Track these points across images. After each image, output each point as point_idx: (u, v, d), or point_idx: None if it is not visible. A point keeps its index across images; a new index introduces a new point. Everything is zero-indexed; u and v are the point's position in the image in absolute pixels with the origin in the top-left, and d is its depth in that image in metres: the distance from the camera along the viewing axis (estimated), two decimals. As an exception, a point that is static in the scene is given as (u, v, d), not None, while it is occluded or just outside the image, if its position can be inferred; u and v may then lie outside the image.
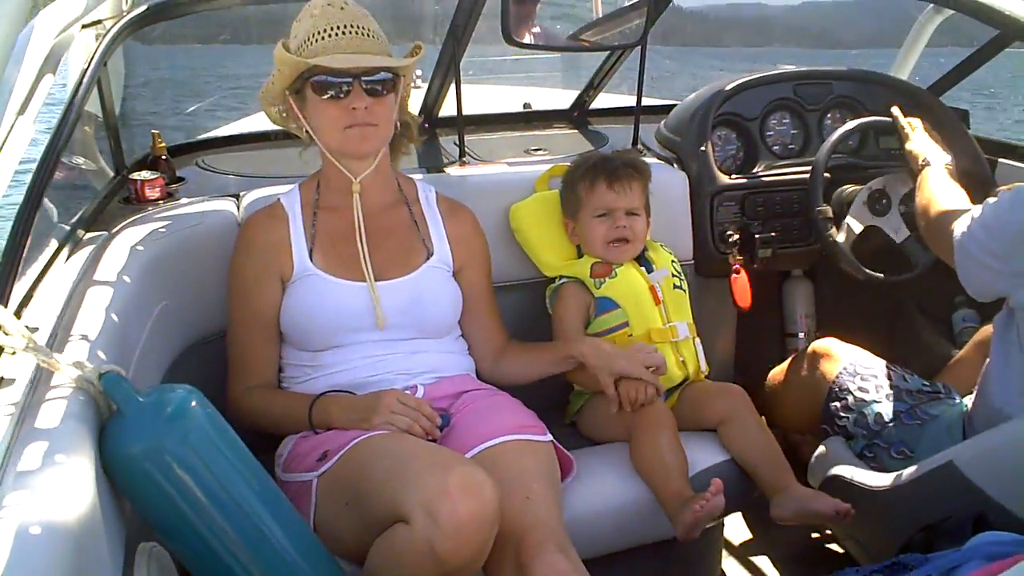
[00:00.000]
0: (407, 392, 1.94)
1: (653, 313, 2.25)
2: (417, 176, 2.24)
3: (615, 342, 2.22)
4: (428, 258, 2.10)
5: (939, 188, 2.23)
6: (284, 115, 2.05)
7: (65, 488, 1.21)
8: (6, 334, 1.30)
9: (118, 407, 1.37)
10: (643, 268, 2.29)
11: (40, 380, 1.40)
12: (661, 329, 2.24)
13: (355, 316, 1.99)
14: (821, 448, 2.25)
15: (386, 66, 1.91)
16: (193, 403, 1.42)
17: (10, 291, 1.40)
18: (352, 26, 1.90)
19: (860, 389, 2.22)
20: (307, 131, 1.99)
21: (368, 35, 1.92)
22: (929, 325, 3.00)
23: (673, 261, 2.37)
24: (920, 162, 2.39)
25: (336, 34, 1.89)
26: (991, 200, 1.92)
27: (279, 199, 2.13)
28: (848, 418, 2.21)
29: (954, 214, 2.04)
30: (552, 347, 2.19)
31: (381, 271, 2.03)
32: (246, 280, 2.05)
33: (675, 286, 2.31)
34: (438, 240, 2.14)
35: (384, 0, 2.22)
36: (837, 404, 2.24)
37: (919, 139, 2.49)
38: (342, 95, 1.90)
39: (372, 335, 2.01)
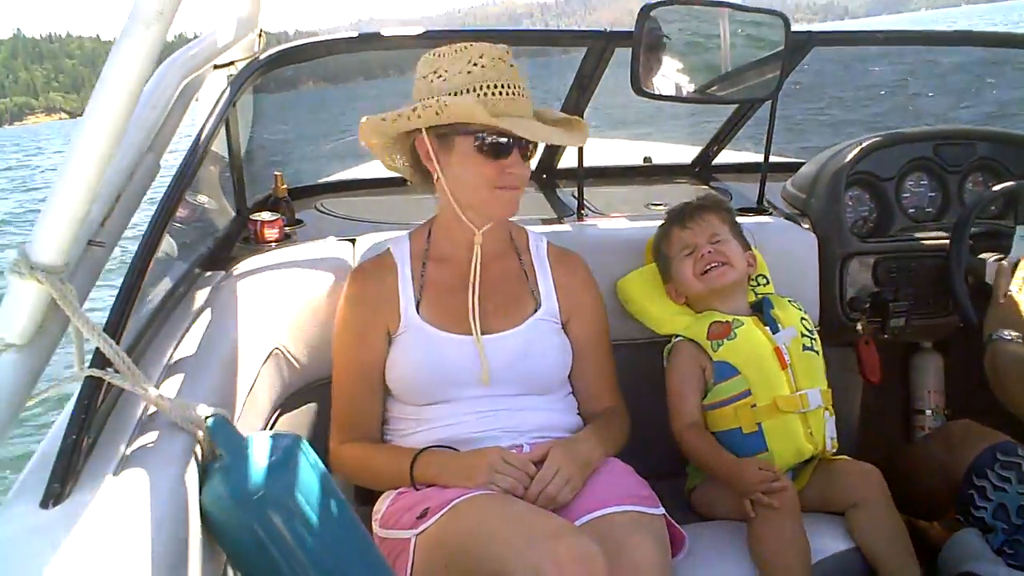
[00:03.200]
0: (513, 451, 1.87)
1: (779, 379, 2.09)
2: (530, 226, 2.19)
3: (737, 413, 2.10)
4: (536, 310, 2.04)
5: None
6: (397, 154, 2.00)
7: (161, 529, 1.20)
8: (116, 371, 1.29)
9: (222, 451, 1.35)
10: (768, 328, 2.15)
11: (147, 418, 1.40)
12: (789, 397, 2.08)
13: (460, 370, 1.94)
14: (954, 539, 2.08)
15: (561, 143, 1.89)
16: (299, 452, 1.38)
17: (124, 327, 1.39)
18: (520, 87, 1.86)
19: (1000, 477, 2.05)
20: (438, 177, 1.93)
21: (528, 97, 1.88)
22: (1074, 408, 2.77)
23: (803, 319, 2.21)
24: (989, 335, 2.18)
25: (511, 94, 1.84)
26: None
27: (388, 248, 2.10)
28: (986, 508, 2.04)
29: None
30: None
31: (488, 324, 1.98)
32: (353, 331, 2.02)
33: (805, 347, 2.15)
34: (546, 291, 2.07)
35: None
36: (974, 492, 2.07)
37: (1002, 309, 2.23)
38: (501, 156, 1.86)
39: (477, 390, 1.95)
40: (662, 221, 2.33)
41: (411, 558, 1.72)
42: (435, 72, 1.86)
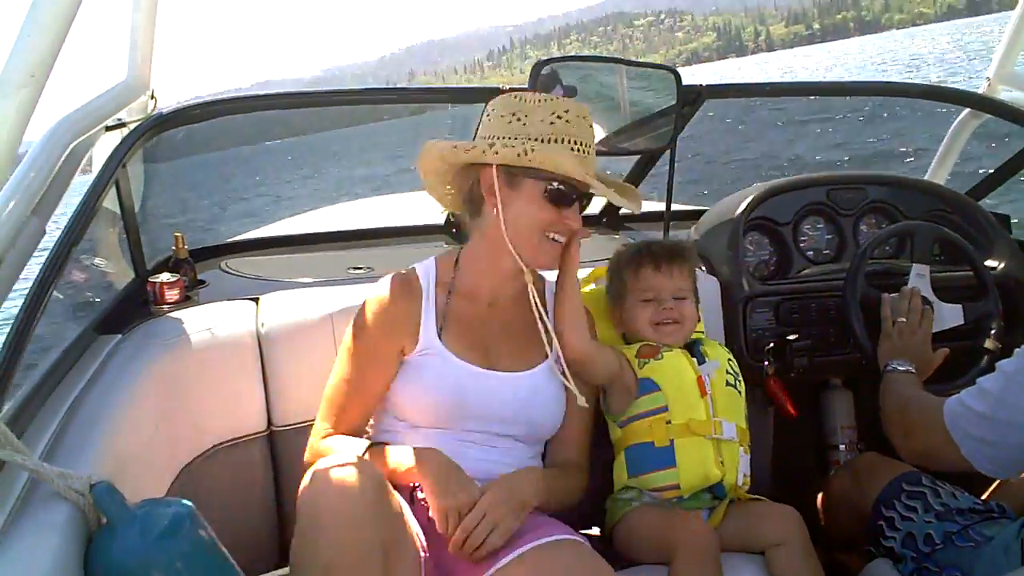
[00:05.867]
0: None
1: (697, 404, 2.12)
2: (549, 276, 2.17)
3: (652, 427, 2.12)
4: (546, 357, 2.04)
5: (906, 393, 2.17)
6: (449, 183, 2.04)
7: None
8: (-7, 441, 1.24)
9: (107, 519, 1.30)
10: (695, 360, 2.19)
11: (30, 489, 1.34)
12: (703, 421, 2.11)
13: (472, 403, 1.94)
14: (866, 570, 2.11)
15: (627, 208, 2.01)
16: (187, 520, 1.34)
17: (4, 393, 1.34)
18: (592, 148, 1.92)
19: (907, 507, 2.08)
20: (497, 211, 1.92)
21: (595, 157, 1.95)
22: (979, 437, 2.85)
23: (730, 359, 2.26)
24: (884, 366, 2.30)
25: (586, 152, 1.90)
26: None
27: (415, 269, 2.07)
28: (895, 538, 2.07)
29: (932, 405, 1.97)
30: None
31: (503, 363, 2.00)
32: (365, 343, 1.99)
33: (728, 383, 2.20)
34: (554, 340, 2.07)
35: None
36: (883, 523, 2.10)
37: (893, 340, 2.35)
38: (563, 205, 1.91)
39: (477, 424, 1.96)
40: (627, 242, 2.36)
41: None
42: (514, 114, 1.91)
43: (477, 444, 1.97)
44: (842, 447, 2.81)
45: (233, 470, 2.00)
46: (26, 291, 1.60)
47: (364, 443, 1.90)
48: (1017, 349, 1.82)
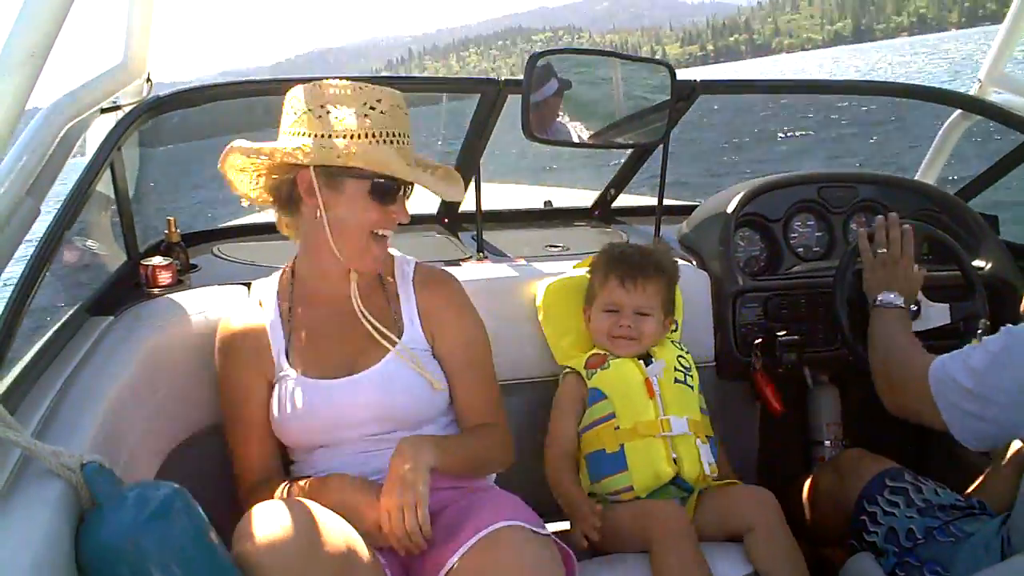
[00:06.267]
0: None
1: (645, 406, 2.18)
2: (395, 251, 2.10)
3: (600, 435, 2.17)
4: (394, 344, 1.94)
5: (894, 335, 2.17)
6: (260, 183, 1.91)
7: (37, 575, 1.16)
8: (-14, 417, 1.24)
9: (98, 499, 1.31)
10: (641, 362, 2.24)
11: (22, 466, 1.35)
12: (650, 421, 2.16)
13: (331, 416, 1.88)
14: (849, 564, 2.13)
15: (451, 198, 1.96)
16: (177, 502, 1.35)
17: None
18: (408, 137, 1.84)
19: (890, 503, 2.11)
20: (320, 214, 1.82)
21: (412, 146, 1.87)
22: (961, 437, 2.87)
23: (680, 356, 2.30)
24: (872, 300, 2.31)
25: (403, 142, 1.81)
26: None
27: (255, 294, 2.03)
28: (877, 533, 2.09)
29: (917, 365, 1.98)
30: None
31: (354, 363, 1.91)
32: (230, 384, 1.96)
33: (677, 380, 2.24)
34: (409, 318, 1.98)
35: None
36: (865, 518, 2.13)
37: (878, 272, 2.34)
38: (389, 201, 1.84)
39: (354, 432, 1.89)
40: (593, 254, 2.41)
41: None
42: (323, 107, 1.79)
43: (374, 449, 1.90)
44: (827, 443, 2.83)
45: (222, 452, 2.01)
46: (20, 271, 1.60)
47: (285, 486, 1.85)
48: (1002, 327, 1.84)
